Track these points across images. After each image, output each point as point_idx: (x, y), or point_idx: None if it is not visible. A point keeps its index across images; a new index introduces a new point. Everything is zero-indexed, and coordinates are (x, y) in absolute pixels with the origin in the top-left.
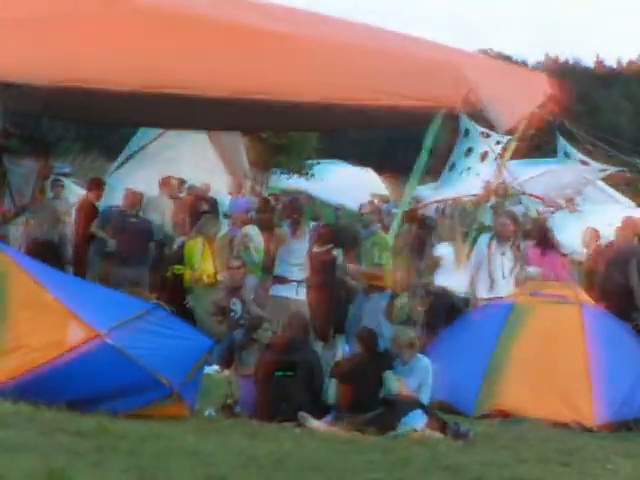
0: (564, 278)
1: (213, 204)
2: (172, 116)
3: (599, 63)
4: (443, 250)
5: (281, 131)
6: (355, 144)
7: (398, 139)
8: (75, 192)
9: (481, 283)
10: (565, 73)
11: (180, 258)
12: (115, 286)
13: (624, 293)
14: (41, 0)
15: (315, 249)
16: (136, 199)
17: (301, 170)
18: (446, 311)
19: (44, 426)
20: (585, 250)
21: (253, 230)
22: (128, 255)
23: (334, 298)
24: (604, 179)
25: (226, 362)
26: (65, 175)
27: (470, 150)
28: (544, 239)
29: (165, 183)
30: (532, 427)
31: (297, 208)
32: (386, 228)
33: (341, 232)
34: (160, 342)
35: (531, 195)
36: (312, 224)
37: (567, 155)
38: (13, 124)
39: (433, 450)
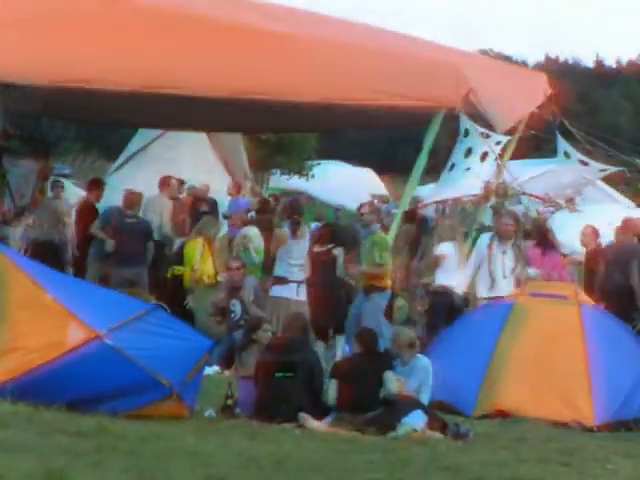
0: (565, 278)
1: (213, 205)
2: (172, 117)
3: (599, 63)
4: (445, 249)
5: (281, 131)
6: (355, 144)
7: (398, 139)
8: (75, 193)
9: (481, 282)
10: (565, 73)
11: (180, 259)
12: (114, 286)
13: (624, 293)
14: (41, 0)
15: (315, 249)
16: (135, 199)
17: (301, 170)
18: (446, 310)
19: (43, 426)
20: (584, 249)
21: (253, 231)
22: (126, 255)
23: (334, 298)
24: (603, 179)
25: (226, 363)
26: (65, 176)
27: (470, 150)
28: (544, 239)
29: (164, 183)
30: (532, 427)
31: (297, 209)
32: (386, 228)
33: (341, 232)
34: (160, 343)
35: (531, 195)
36: (315, 224)
37: (567, 155)
38: (13, 125)
39: (433, 450)
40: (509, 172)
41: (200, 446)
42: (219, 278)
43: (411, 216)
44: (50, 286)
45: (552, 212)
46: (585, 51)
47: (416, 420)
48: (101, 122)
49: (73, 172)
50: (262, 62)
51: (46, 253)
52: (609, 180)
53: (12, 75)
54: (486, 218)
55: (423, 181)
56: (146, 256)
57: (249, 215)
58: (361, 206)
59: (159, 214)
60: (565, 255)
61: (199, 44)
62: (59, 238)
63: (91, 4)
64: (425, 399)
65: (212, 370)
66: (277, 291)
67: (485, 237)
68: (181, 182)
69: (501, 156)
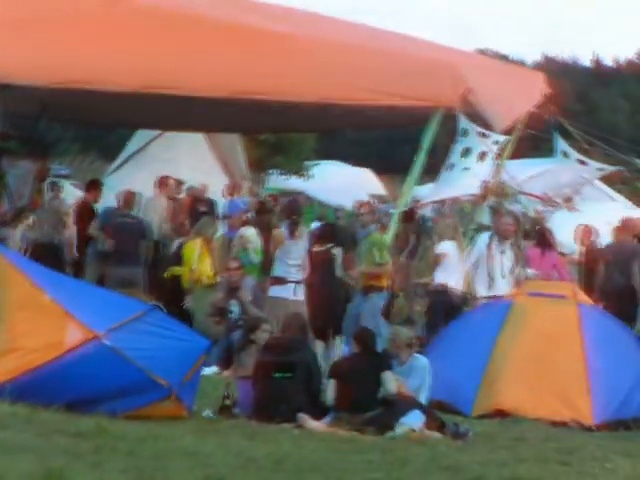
0: (564, 277)
1: (211, 205)
2: (171, 117)
3: (597, 62)
4: (446, 248)
5: (280, 132)
6: (353, 144)
7: (396, 139)
8: (73, 194)
9: (480, 282)
10: (563, 72)
11: (179, 259)
12: (111, 286)
13: (625, 293)
14: (40, 0)
15: (315, 248)
16: (131, 199)
17: (299, 171)
18: (446, 310)
19: (42, 427)
20: (579, 247)
21: (251, 231)
22: (123, 255)
23: (333, 298)
24: (602, 178)
25: (225, 363)
26: (63, 177)
27: (468, 150)
28: (543, 239)
29: (162, 183)
30: (531, 427)
31: (296, 209)
32: (384, 228)
33: (340, 232)
34: (158, 343)
35: (529, 195)
36: (317, 224)
37: (565, 154)
38: (11, 125)
39: (432, 450)
40: (507, 172)
41: (199, 446)
42: (217, 278)
43: (409, 216)
44: (49, 287)
45: (551, 212)
46: (583, 50)
47: (414, 420)
48: (100, 123)
49: (71, 173)
50: (261, 62)
51: (47, 254)
52: (607, 179)
53: (11, 76)
54: (484, 218)
55: (421, 181)
56: (143, 255)
57: (248, 215)
58: (358, 204)
59: (156, 214)
60: (564, 254)
61: (198, 44)
62: (59, 239)
63: (90, 4)
64: (423, 399)
65: (211, 370)
66: (275, 291)
67: (484, 236)
68: (180, 182)
69: (499, 156)
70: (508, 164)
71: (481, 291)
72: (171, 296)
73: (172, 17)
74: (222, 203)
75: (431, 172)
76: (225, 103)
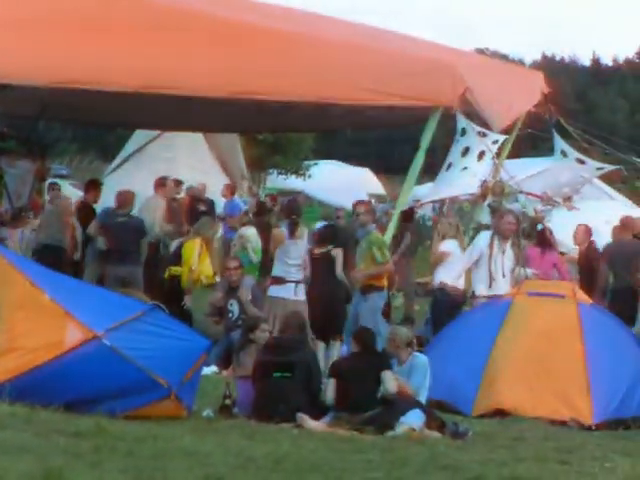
0: (565, 277)
1: (210, 205)
2: (170, 117)
3: (596, 62)
4: (448, 247)
5: (278, 132)
6: (352, 144)
7: (395, 139)
8: (72, 194)
9: (480, 281)
10: (562, 72)
11: (178, 259)
12: (109, 285)
13: (627, 293)
14: (39, 1)
15: (316, 249)
16: (127, 198)
17: (298, 170)
18: (451, 309)
19: (41, 427)
20: (577, 248)
21: (251, 231)
22: (120, 254)
23: (334, 298)
24: (600, 177)
25: (224, 363)
26: (62, 177)
27: (467, 149)
28: (543, 238)
29: (160, 184)
30: (530, 426)
31: (295, 209)
32: (382, 228)
33: (341, 232)
34: (158, 343)
35: (529, 194)
36: (321, 224)
37: (564, 153)
38: (10, 125)
39: (431, 449)
40: (506, 171)
41: (198, 446)
42: (217, 278)
43: (409, 216)
44: (48, 286)
45: (550, 211)
46: (582, 50)
47: (414, 419)
48: (99, 123)
49: (70, 173)
50: (260, 62)
51: (53, 257)
52: (606, 179)
53: (10, 75)
54: (483, 217)
55: (420, 180)
56: (140, 255)
57: (248, 215)
58: (356, 204)
59: (154, 214)
60: (563, 253)
61: (198, 44)
62: (66, 241)
63: (90, 4)
64: (423, 398)
65: (210, 370)
66: (275, 291)
67: (484, 236)
68: (179, 182)
69: (498, 155)
70: (507, 163)
71: (481, 290)
72: (170, 296)
73: (172, 17)
74: (221, 203)
75: (430, 172)
76: (224, 103)
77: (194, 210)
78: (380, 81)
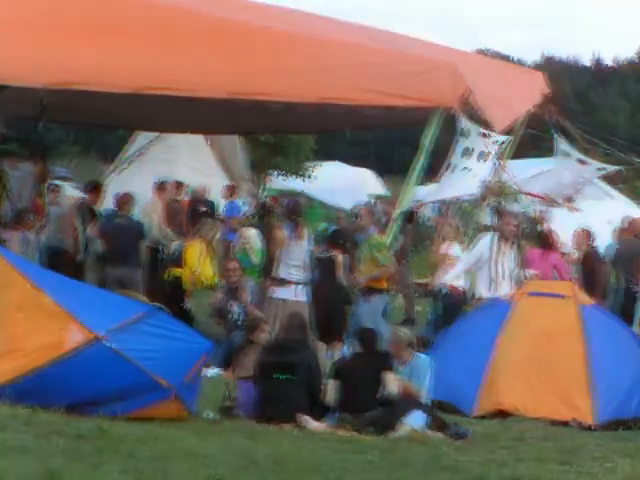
0: (565, 278)
1: (211, 207)
2: (170, 119)
3: (596, 62)
4: (453, 250)
5: (279, 133)
6: (353, 145)
7: (396, 140)
8: (74, 196)
9: (482, 283)
10: (562, 72)
11: (179, 261)
12: (109, 287)
13: (630, 294)
14: (39, 1)
15: (320, 251)
16: (127, 201)
17: (299, 172)
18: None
19: (42, 429)
20: (576, 251)
21: (252, 232)
22: (121, 257)
23: (335, 300)
24: (601, 177)
25: (225, 364)
26: (64, 179)
27: (468, 150)
28: (544, 239)
29: (159, 188)
30: (531, 427)
31: (297, 210)
32: (383, 230)
33: (344, 235)
34: (159, 344)
35: (530, 194)
36: (325, 225)
37: (565, 154)
38: (11, 128)
39: (432, 450)
40: (508, 172)
41: (199, 447)
42: (218, 280)
43: (410, 217)
44: (49, 288)
45: (551, 212)
46: (583, 50)
47: (416, 420)
48: (100, 124)
49: (72, 175)
50: (260, 63)
51: (61, 261)
52: (607, 178)
53: (10, 77)
54: (484, 218)
55: (421, 181)
56: (139, 257)
57: (249, 217)
58: (356, 207)
59: (154, 217)
60: (563, 254)
61: (197, 45)
62: (72, 245)
63: (89, 6)
64: (425, 399)
65: (214, 372)
66: (277, 292)
67: (486, 237)
68: (180, 184)
69: (500, 156)
70: (508, 164)
71: (483, 293)
72: (171, 297)
73: (171, 18)
74: (222, 204)
75: (431, 173)
76: (225, 104)
77: (195, 212)
78: (380, 82)
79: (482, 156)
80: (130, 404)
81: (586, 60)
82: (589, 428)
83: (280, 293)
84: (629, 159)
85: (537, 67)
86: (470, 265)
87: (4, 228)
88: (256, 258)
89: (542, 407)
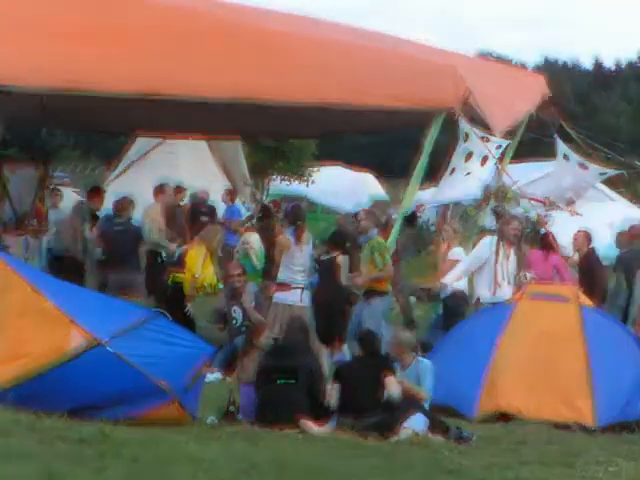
0: (566, 280)
1: (212, 211)
2: (172, 123)
3: (598, 65)
4: (457, 254)
5: (280, 137)
6: (354, 149)
7: (398, 143)
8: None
9: (483, 286)
10: (564, 75)
11: (181, 265)
12: (110, 292)
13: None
14: (41, 3)
15: (322, 255)
16: (124, 205)
17: (301, 175)
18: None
19: (45, 434)
20: (576, 254)
21: (254, 237)
22: (121, 261)
23: (336, 303)
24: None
25: (228, 369)
26: (65, 184)
27: (470, 154)
28: (546, 242)
29: (159, 191)
30: (534, 430)
31: (299, 214)
32: (384, 233)
33: (345, 236)
34: (161, 349)
35: (531, 198)
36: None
37: (566, 158)
38: (12, 133)
39: (435, 454)
40: (509, 175)
41: (202, 452)
42: (220, 285)
43: (411, 220)
44: (51, 293)
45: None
46: (584, 53)
47: (418, 424)
48: (101, 129)
49: (73, 180)
50: (260, 65)
51: (63, 265)
52: (608, 181)
53: (10, 80)
54: (487, 221)
55: (423, 185)
56: (138, 261)
57: (251, 221)
58: (358, 213)
59: (153, 221)
60: (565, 257)
61: (199, 48)
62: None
63: (90, 8)
64: (427, 403)
65: (214, 376)
66: (280, 297)
67: (488, 241)
68: (181, 189)
69: (501, 160)
70: (510, 168)
71: (485, 296)
72: (173, 302)
73: (173, 21)
74: (222, 209)
75: (433, 177)
76: (226, 109)
77: (195, 216)
78: (382, 84)
79: (483, 158)
80: (132, 409)
81: (587, 63)
82: (592, 431)
83: (284, 298)
84: (630, 162)
85: (538, 70)
86: (471, 267)
87: (5, 232)
88: (258, 263)
89: (543, 408)
